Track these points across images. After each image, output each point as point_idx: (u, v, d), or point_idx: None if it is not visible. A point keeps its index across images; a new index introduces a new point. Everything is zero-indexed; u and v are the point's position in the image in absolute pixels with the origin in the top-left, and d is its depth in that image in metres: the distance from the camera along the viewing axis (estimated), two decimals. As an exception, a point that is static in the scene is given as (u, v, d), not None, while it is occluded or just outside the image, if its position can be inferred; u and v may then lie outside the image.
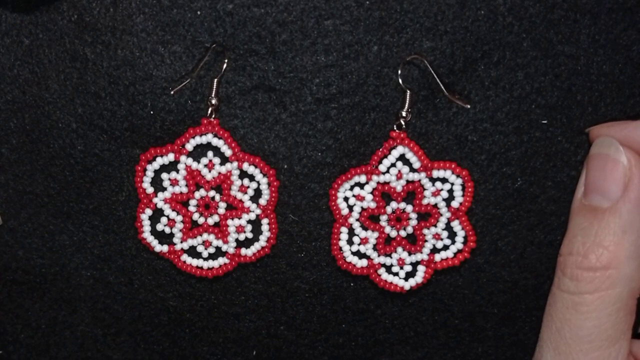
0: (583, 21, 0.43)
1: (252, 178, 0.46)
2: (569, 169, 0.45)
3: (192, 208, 0.46)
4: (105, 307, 0.49)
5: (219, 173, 0.45)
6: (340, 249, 0.46)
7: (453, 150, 0.45)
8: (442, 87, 0.43)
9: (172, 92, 0.44)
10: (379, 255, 0.46)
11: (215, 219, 0.46)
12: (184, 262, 0.47)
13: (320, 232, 0.46)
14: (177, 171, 0.45)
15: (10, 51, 0.45)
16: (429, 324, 0.48)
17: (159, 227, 0.46)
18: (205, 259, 0.47)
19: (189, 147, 0.45)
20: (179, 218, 0.46)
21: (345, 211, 0.46)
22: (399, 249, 0.46)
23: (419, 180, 0.45)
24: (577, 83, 0.44)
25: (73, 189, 0.46)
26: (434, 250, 0.46)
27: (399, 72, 0.44)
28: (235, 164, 0.45)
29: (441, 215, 0.45)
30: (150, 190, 0.46)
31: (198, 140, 0.45)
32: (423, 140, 0.45)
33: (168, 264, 0.47)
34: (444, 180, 0.45)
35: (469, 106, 0.44)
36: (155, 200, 0.46)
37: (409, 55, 0.43)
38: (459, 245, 0.46)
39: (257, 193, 0.46)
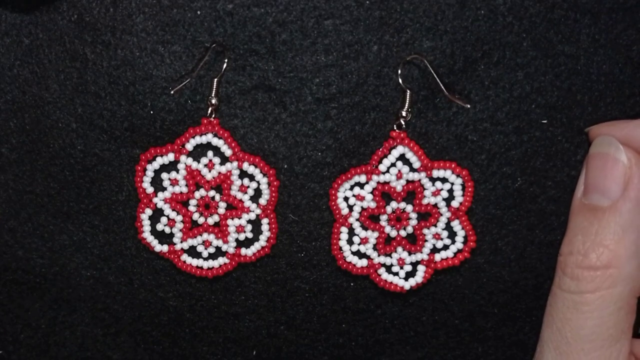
0: (583, 21, 0.43)
1: (252, 178, 0.46)
2: (569, 168, 0.45)
3: (192, 208, 0.46)
4: (105, 307, 0.49)
5: (219, 173, 0.45)
6: (340, 248, 0.46)
7: (453, 150, 0.45)
8: (442, 87, 0.43)
9: (172, 92, 0.44)
10: (379, 255, 0.46)
11: (215, 218, 0.46)
12: (184, 262, 0.47)
13: (320, 232, 0.46)
14: (177, 171, 0.45)
15: (10, 51, 0.45)
16: (429, 324, 0.48)
17: (159, 227, 0.46)
18: (205, 259, 0.47)
19: (189, 147, 0.45)
20: (179, 218, 0.46)
21: (345, 211, 0.46)
22: (399, 249, 0.46)
23: (419, 180, 0.45)
24: (577, 83, 0.44)
25: (73, 189, 0.46)
26: (434, 250, 0.46)
27: (399, 72, 0.44)
28: (235, 163, 0.45)
29: (441, 215, 0.45)
30: (150, 190, 0.46)
31: (198, 140, 0.45)
32: (423, 140, 0.45)
33: (168, 264, 0.47)
34: (444, 180, 0.45)
35: (469, 106, 0.44)
36: (155, 200, 0.46)
37: (409, 55, 0.43)
38: (459, 245, 0.46)
39: (257, 193, 0.46)
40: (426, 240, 0.46)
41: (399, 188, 0.45)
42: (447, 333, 0.48)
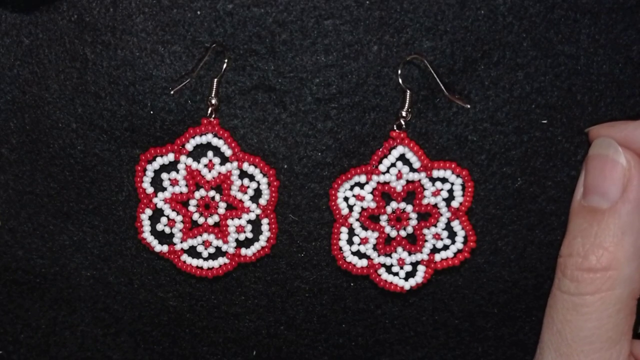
0: (583, 21, 0.43)
1: (252, 178, 0.46)
2: (569, 169, 0.45)
3: (192, 208, 0.46)
4: (105, 307, 0.49)
5: (219, 173, 0.45)
6: (340, 249, 0.46)
7: (453, 150, 0.45)
8: (442, 87, 0.43)
9: (172, 92, 0.44)
10: (379, 255, 0.46)
11: (215, 219, 0.46)
12: (184, 262, 0.47)
13: (320, 232, 0.46)
14: (177, 171, 0.45)
15: (10, 51, 0.45)
16: (429, 324, 0.48)
17: (159, 227, 0.46)
18: (205, 259, 0.47)
19: (189, 147, 0.45)
20: (179, 218, 0.46)
21: (345, 211, 0.46)
22: (399, 249, 0.46)
23: (419, 180, 0.45)
24: (577, 83, 0.44)
25: (73, 189, 0.46)
26: (434, 250, 0.46)
27: (399, 72, 0.44)
28: (235, 164, 0.45)
29: (441, 215, 0.45)
30: (150, 190, 0.46)
31: (198, 140, 0.45)
32: (423, 140, 0.45)
33: (168, 264, 0.47)
34: (444, 180, 0.45)
35: (469, 106, 0.44)
36: (155, 200, 0.46)
37: (409, 55, 0.43)
38: (459, 245, 0.46)
39: (257, 193, 0.46)
40: (426, 241, 0.46)
41: (399, 188, 0.45)
42: (447, 333, 0.48)
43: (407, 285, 0.46)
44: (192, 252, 0.47)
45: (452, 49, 0.43)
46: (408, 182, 0.45)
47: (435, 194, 0.45)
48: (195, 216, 0.46)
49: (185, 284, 0.48)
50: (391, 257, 0.46)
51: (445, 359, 0.49)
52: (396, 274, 0.46)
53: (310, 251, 0.47)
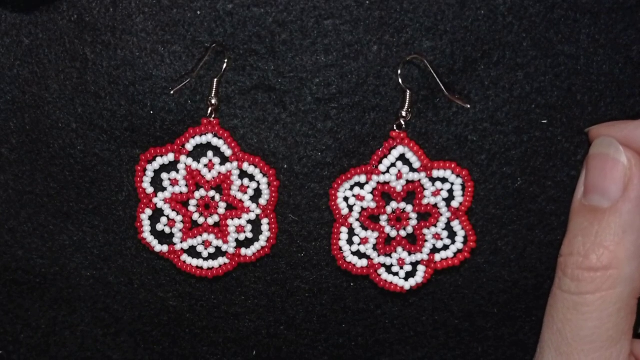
0: (583, 21, 0.43)
1: (252, 178, 0.46)
2: (569, 169, 0.45)
3: (192, 208, 0.46)
4: (105, 307, 0.49)
5: (219, 173, 0.45)
6: (340, 249, 0.46)
7: (453, 150, 0.45)
8: (442, 87, 0.43)
9: (172, 92, 0.44)
10: (379, 255, 0.46)
11: (215, 219, 0.46)
12: (184, 262, 0.47)
13: (320, 232, 0.46)
14: (177, 171, 0.45)
15: (10, 51, 0.45)
16: (429, 324, 0.48)
17: (159, 227, 0.46)
18: (205, 259, 0.47)
19: (189, 147, 0.45)
20: (179, 218, 0.46)
21: (345, 211, 0.45)
22: (399, 249, 0.46)
23: (419, 180, 0.45)
24: (577, 83, 0.44)
25: (73, 189, 0.46)
26: (434, 250, 0.46)
27: (399, 72, 0.44)
28: (235, 164, 0.45)
29: (441, 215, 0.45)
30: (150, 190, 0.46)
31: (198, 140, 0.45)
32: (423, 140, 0.45)
33: (168, 264, 0.47)
34: (444, 180, 0.45)
35: (469, 106, 0.44)
36: (155, 200, 0.46)
37: (409, 55, 0.43)
38: (459, 245, 0.46)
39: (257, 193, 0.46)
40: (426, 241, 0.46)
41: (399, 188, 0.45)
42: (447, 333, 0.48)
43: (407, 285, 0.46)
44: (192, 252, 0.47)
45: (452, 49, 0.43)
46: (408, 182, 0.45)
47: (435, 194, 0.45)
48: (195, 216, 0.46)
49: (185, 284, 0.48)
50: (391, 257, 0.46)
51: (445, 359, 0.49)
52: (396, 274, 0.46)
53: (310, 251, 0.47)
